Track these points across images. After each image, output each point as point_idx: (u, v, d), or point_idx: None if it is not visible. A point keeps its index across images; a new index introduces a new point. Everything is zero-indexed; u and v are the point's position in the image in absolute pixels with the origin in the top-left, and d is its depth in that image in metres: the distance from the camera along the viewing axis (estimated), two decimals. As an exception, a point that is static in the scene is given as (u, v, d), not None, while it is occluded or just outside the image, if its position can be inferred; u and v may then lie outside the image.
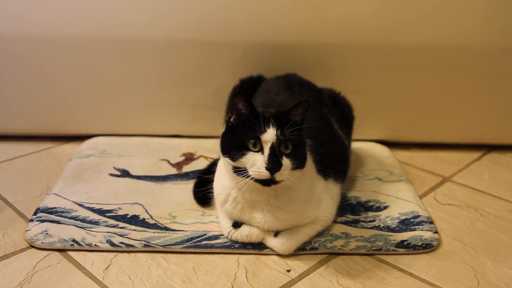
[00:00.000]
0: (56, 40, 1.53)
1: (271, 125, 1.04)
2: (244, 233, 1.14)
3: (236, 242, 1.15)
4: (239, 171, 1.06)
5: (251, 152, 1.04)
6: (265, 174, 1.02)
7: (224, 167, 1.13)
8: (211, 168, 1.40)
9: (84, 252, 1.13)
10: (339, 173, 1.28)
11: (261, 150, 1.04)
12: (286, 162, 1.04)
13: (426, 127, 1.67)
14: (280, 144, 1.04)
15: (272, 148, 1.03)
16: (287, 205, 1.11)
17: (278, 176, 1.03)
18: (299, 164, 1.06)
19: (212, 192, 1.21)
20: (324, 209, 1.18)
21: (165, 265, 1.10)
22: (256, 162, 1.03)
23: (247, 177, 1.04)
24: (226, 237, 1.17)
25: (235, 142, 1.06)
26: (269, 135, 1.03)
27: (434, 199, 1.39)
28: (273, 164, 1.02)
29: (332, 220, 1.21)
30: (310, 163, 1.16)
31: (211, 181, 1.22)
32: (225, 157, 1.09)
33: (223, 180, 1.15)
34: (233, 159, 1.06)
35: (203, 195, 1.28)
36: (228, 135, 1.10)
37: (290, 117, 1.07)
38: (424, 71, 1.57)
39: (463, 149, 1.68)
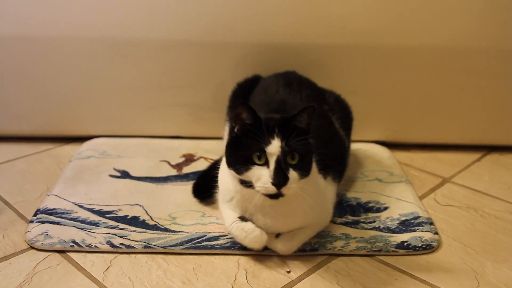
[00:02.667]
0: (55, 41, 1.53)
1: (275, 135, 1.00)
2: (245, 229, 1.10)
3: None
4: (246, 184, 1.03)
5: (256, 165, 1.00)
6: (272, 190, 0.99)
7: (230, 175, 1.10)
8: (211, 170, 1.40)
9: (84, 253, 1.13)
10: (336, 173, 1.27)
11: (266, 163, 1.00)
12: (293, 174, 1.00)
13: (426, 128, 1.67)
14: (286, 156, 1.00)
15: (278, 161, 0.99)
16: (293, 211, 1.10)
17: (285, 190, 0.99)
18: (306, 174, 1.03)
19: (213, 192, 1.20)
20: (324, 209, 1.18)
21: (165, 266, 1.10)
22: (261, 177, 0.99)
23: (253, 188, 1.01)
24: (227, 231, 1.14)
25: (240, 155, 1.02)
26: (274, 147, 0.99)
27: (434, 200, 1.39)
28: (279, 179, 0.98)
29: (330, 220, 1.21)
30: (313, 166, 1.13)
31: (211, 185, 1.21)
32: (230, 169, 1.05)
33: (229, 182, 1.12)
34: (239, 172, 1.03)
35: (203, 191, 1.29)
36: (232, 147, 1.06)
37: (296, 124, 1.03)
38: (424, 72, 1.57)
39: (463, 150, 1.68)
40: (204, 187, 1.32)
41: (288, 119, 1.03)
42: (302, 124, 1.03)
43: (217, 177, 1.31)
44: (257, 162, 1.00)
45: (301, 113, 1.02)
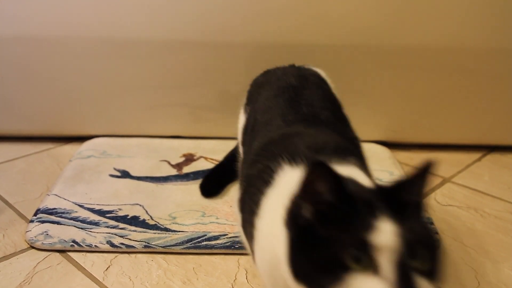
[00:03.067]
0: (56, 41, 1.53)
1: (383, 215, 0.59)
2: None
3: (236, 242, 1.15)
4: None
5: (354, 274, 0.57)
6: None
7: None
8: (219, 168, 1.40)
9: (84, 253, 1.13)
10: None
11: (372, 267, 0.57)
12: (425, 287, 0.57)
13: (426, 128, 1.67)
14: (407, 252, 0.57)
15: (400, 262, 0.57)
16: None
17: None
18: (438, 281, 0.60)
19: (219, 187, 1.18)
20: None
21: (165, 266, 1.10)
22: None
23: None
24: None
25: (319, 259, 0.59)
26: (387, 235, 0.57)
27: (435, 200, 1.39)
28: None
29: None
30: None
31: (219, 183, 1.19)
32: (300, 285, 0.62)
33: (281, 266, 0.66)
34: None
35: (210, 187, 1.29)
36: (301, 245, 0.62)
37: (406, 198, 0.62)
38: (424, 72, 1.57)
39: (463, 150, 1.67)
40: (213, 185, 1.33)
41: (396, 189, 0.63)
42: (415, 196, 0.63)
43: (224, 175, 1.31)
44: (355, 266, 0.58)
45: (416, 179, 0.63)
